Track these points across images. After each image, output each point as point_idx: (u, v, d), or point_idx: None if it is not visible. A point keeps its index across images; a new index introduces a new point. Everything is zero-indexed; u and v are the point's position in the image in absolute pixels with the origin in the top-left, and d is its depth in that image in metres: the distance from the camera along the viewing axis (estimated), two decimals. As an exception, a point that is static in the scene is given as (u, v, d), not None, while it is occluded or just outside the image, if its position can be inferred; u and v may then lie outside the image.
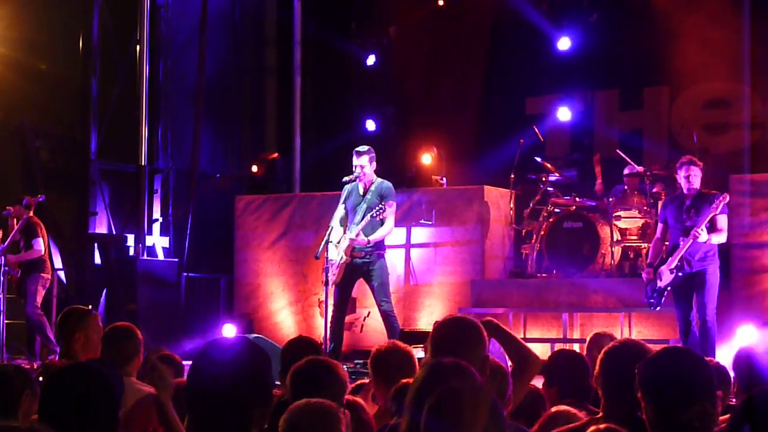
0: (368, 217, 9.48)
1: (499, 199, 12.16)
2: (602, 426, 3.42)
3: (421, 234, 12.10)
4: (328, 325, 9.54)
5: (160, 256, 14.32)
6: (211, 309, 14.04)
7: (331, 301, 9.56)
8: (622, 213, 11.40)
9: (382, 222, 9.54)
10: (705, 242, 8.87)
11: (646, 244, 11.01)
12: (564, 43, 13.86)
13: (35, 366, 9.72)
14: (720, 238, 8.96)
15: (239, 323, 12.36)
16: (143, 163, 14.33)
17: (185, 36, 15.21)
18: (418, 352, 5.23)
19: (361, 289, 10.18)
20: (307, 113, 16.01)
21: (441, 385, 3.06)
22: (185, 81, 15.12)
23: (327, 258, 9.51)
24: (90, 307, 6.34)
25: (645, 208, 11.34)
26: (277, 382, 4.44)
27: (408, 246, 12.13)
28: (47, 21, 14.05)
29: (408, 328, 10.81)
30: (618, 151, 11.78)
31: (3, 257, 11.16)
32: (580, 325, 11.00)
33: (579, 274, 11.55)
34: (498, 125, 14.39)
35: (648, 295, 9.21)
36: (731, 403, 5.44)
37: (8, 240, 11.29)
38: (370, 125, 15.29)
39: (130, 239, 14.16)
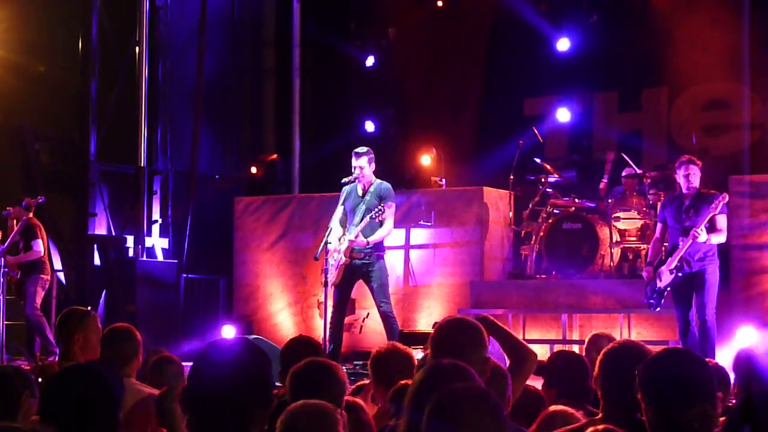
0: (367, 218, 9.49)
1: (498, 201, 12.16)
2: (600, 427, 3.42)
3: (420, 235, 12.10)
4: (328, 326, 9.55)
5: (160, 258, 14.31)
6: (211, 310, 14.04)
7: (330, 303, 9.56)
8: (621, 214, 11.40)
9: (381, 223, 9.54)
10: (704, 242, 8.87)
11: (645, 245, 11.01)
12: (563, 44, 13.86)
13: (35, 367, 9.73)
14: (719, 238, 8.96)
15: (238, 324, 12.36)
16: (142, 165, 14.32)
17: (184, 38, 15.21)
18: (418, 354, 5.23)
19: (360, 290, 10.18)
20: (306, 115, 16.01)
21: (441, 387, 3.06)
22: (184, 82, 15.12)
23: (326, 259, 9.52)
24: (89, 308, 6.34)
25: (644, 209, 11.34)
26: (278, 384, 4.44)
27: (407, 247, 12.13)
28: (46, 23, 14.06)
29: (407, 330, 10.80)
30: (623, 154, 11.74)
31: (3, 258, 11.16)
32: (580, 326, 11.00)
33: (578, 275, 11.55)
34: (497, 126, 14.39)
35: (648, 295, 9.21)
36: (731, 404, 5.44)
37: (8, 241, 11.29)
38: (369, 126, 15.29)
39: (130, 240, 14.15)
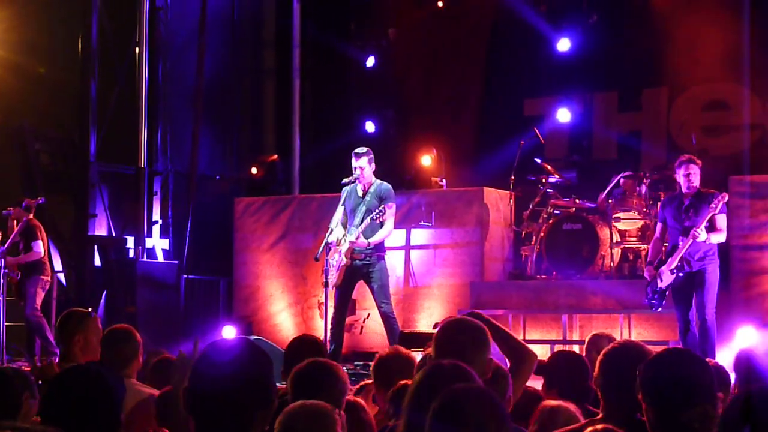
0: (368, 219, 9.49)
1: (498, 201, 12.16)
2: (600, 427, 3.43)
3: (420, 236, 12.11)
4: (328, 326, 9.55)
5: (160, 258, 14.31)
6: (211, 311, 14.03)
7: (331, 303, 9.56)
8: (621, 214, 11.39)
9: (381, 224, 9.54)
10: (704, 242, 8.87)
11: (645, 246, 11.00)
12: (563, 45, 13.87)
13: (34, 368, 9.72)
14: (719, 237, 8.96)
15: (239, 325, 12.35)
16: (142, 165, 14.33)
17: (184, 38, 15.21)
18: (419, 357, 5.23)
19: (360, 290, 10.18)
20: (306, 115, 16.01)
21: (441, 387, 3.06)
22: (184, 83, 15.12)
23: (327, 260, 9.52)
24: (90, 309, 6.34)
25: (644, 209, 11.34)
26: (283, 383, 4.44)
27: (407, 248, 12.13)
28: (46, 23, 14.06)
29: (408, 330, 10.80)
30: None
31: (3, 259, 11.16)
32: (580, 326, 10.99)
33: (578, 275, 11.55)
34: (497, 127, 14.39)
35: (648, 296, 9.21)
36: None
37: (8, 242, 11.29)
38: (370, 127, 15.29)
39: (130, 241, 14.16)
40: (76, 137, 14.22)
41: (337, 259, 9.64)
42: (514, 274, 12.14)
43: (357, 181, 9.69)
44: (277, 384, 5.35)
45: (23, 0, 13.99)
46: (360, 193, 9.71)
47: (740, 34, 12.58)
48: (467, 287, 11.73)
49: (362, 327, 12.02)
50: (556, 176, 12.14)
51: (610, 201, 11.49)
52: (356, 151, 9.72)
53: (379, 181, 9.74)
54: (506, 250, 12.29)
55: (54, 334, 10.56)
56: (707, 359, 4.21)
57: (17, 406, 4.11)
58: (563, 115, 13.71)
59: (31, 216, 11.36)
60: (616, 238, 11.44)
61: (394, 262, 11.52)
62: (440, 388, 3.05)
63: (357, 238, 9.48)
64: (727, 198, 8.99)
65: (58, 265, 13.45)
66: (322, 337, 9.48)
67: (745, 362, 5.30)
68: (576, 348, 9.76)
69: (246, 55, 16.38)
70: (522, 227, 12.10)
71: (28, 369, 9.39)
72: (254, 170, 15.62)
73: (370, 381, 5.21)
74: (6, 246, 11.26)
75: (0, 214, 11.62)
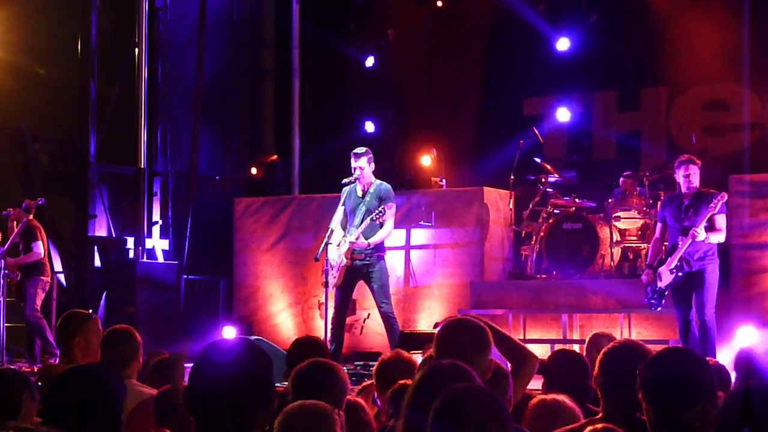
0: (368, 220, 9.48)
1: (498, 201, 12.16)
2: (600, 426, 3.43)
3: (420, 236, 12.11)
4: (329, 326, 9.55)
5: (160, 259, 14.31)
6: (211, 311, 14.03)
7: (331, 303, 9.56)
8: (621, 214, 11.40)
9: (381, 225, 9.54)
10: (703, 241, 8.87)
11: (645, 245, 11.00)
12: (563, 44, 13.87)
13: (35, 369, 9.72)
14: (718, 237, 8.96)
15: (239, 326, 12.36)
16: (142, 166, 14.33)
17: (184, 38, 15.21)
18: (420, 359, 5.24)
19: (361, 290, 10.18)
20: (306, 115, 16.02)
21: (440, 387, 3.06)
22: (184, 83, 15.12)
23: (327, 260, 9.52)
24: (90, 310, 6.34)
25: (644, 208, 11.34)
26: (285, 384, 4.44)
27: (407, 248, 12.13)
28: (46, 24, 14.05)
29: (408, 330, 10.80)
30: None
31: (2, 260, 11.15)
32: (580, 326, 10.99)
33: (578, 275, 11.55)
34: (497, 126, 14.40)
35: (648, 295, 9.21)
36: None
37: (8, 243, 11.29)
38: (369, 127, 15.30)
39: (130, 242, 14.16)
40: (76, 138, 14.22)
41: (336, 259, 9.64)
42: (514, 273, 12.14)
43: (357, 181, 9.68)
44: (280, 384, 5.36)
45: (23, 0, 13.99)
46: (360, 194, 9.71)
47: (740, 34, 12.58)
48: (467, 287, 11.73)
49: (362, 327, 12.03)
50: (556, 176, 12.13)
51: (610, 200, 11.50)
52: (355, 151, 9.72)
53: (378, 182, 9.74)
54: (506, 250, 12.29)
55: (54, 335, 10.55)
56: (707, 358, 4.21)
57: (17, 406, 4.11)
58: (563, 115, 13.72)
59: (31, 217, 11.35)
60: (616, 237, 11.44)
61: (394, 262, 11.52)
62: (440, 388, 3.05)
63: (357, 239, 9.48)
64: (726, 198, 8.98)
65: (58, 266, 13.45)
66: (322, 338, 9.48)
67: (745, 361, 5.31)
68: (576, 347, 9.77)
69: (245, 55, 16.38)
70: (522, 227, 12.10)
71: (29, 370, 9.41)
72: (254, 170, 15.62)
73: (371, 381, 5.22)
74: (6, 247, 11.26)
75: (0, 215, 11.62)
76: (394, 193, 9.86)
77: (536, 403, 4.15)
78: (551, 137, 13.72)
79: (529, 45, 14.26)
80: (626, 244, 11.49)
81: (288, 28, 15.68)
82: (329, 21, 16.02)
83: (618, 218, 11.39)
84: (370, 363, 10.14)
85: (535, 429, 4.03)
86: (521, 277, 11.91)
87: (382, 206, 9.50)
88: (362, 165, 9.61)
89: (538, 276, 11.82)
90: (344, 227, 9.74)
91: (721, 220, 8.95)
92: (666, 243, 9.35)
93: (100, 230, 14.12)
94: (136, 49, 14.34)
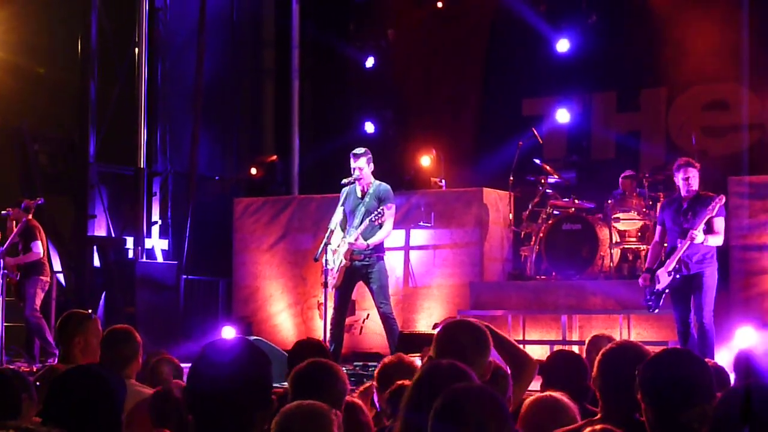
0: (367, 221, 9.48)
1: (497, 201, 12.17)
2: (598, 427, 3.43)
3: (420, 236, 12.11)
4: (328, 327, 9.55)
5: (159, 259, 14.31)
6: (210, 312, 14.03)
7: (330, 304, 9.56)
8: (620, 215, 11.40)
9: (380, 225, 9.53)
10: (702, 244, 8.87)
11: (644, 246, 11.01)
12: (562, 45, 13.87)
13: (34, 369, 9.72)
14: (716, 240, 8.97)
15: (238, 326, 12.36)
16: (142, 166, 14.32)
17: (184, 38, 15.21)
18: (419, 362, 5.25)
19: (360, 291, 10.18)
20: (306, 115, 16.02)
21: (438, 387, 3.06)
22: (184, 83, 15.11)
23: (326, 260, 9.52)
24: (90, 311, 6.34)
25: (644, 209, 11.34)
26: (285, 384, 4.44)
27: (407, 248, 12.13)
28: (45, 24, 14.05)
29: (407, 330, 10.80)
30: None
31: (2, 260, 11.15)
32: (579, 327, 11.00)
33: (578, 276, 11.55)
34: (496, 127, 14.40)
35: (646, 297, 9.22)
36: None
37: (7, 243, 11.29)
38: (369, 127, 15.30)
39: (129, 242, 14.15)
40: (76, 138, 14.21)
41: (335, 260, 9.63)
42: (514, 274, 12.14)
43: (356, 181, 9.68)
44: (281, 385, 5.36)
45: (23, 0, 13.99)
46: (359, 194, 9.70)
47: (739, 34, 12.59)
48: (467, 288, 11.73)
49: (362, 327, 12.03)
50: (555, 176, 12.13)
51: (609, 201, 11.50)
52: (354, 151, 9.72)
53: (378, 182, 9.73)
54: (505, 251, 12.29)
55: (53, 336, 10.55)
56: (706, 360, 4.21)
57: (17, 406, 4.11)
58: (562, 116, 13.72)
59: (30, 216, 11.35)
60: (616, 238, 11.44)
61: (393, 263, 11.53)
62: (438, 388, 3.05)
63: (356, 240, 9.47)
64: (724, 200, 8.98)
65: (57, 266, 13.44)
66: (321, 338, 9.48)
67: (744, 362, 5.31)
68: (576, 348, 9.77)
69: (245, 55, 16.38)
70: (521, 227, 12.10)
71: (27, 370, 9.41)
72: (254, 170, 15.62)
73: (371, 383, 5.22)
74: (5, 247, 11.26)
75: (-1, 215, 11.63)
76: (394, 193, 9.85)
77: (534, 401, 4.15)
78: (550, 138, 13.73)
79: (529, 46, 14.26)
80: (626, 245, 11.50)
81: (288, 28, 15.68)
82: (329, 21, 16.02)
83: (617, 219, 11.40)
84: (370, 363, 10.14)
85: (532, 426, 4.03)
86: (521, 278, 11.91)
87: (381, 207, 9.49)
88: (361, 165, 9.61)
89: (538, 277, 11.82)
90: (344, 228, 9.73)
91: (719, 223, 8.96)
92: (665, 246, 9.35)
93: (100, 230, 14.12)
94: (136, 49, 14.33)
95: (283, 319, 12.75)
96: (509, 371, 4.51)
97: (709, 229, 8.90)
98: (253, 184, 15.59)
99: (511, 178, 12.00)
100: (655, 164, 12.46)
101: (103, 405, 3.33)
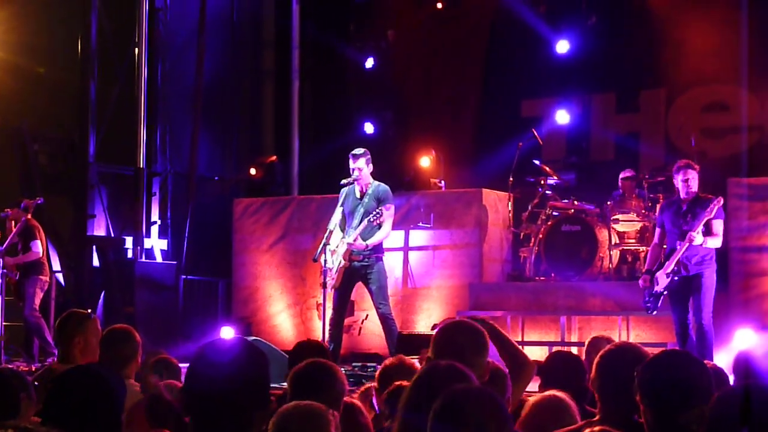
0: (366, 221, 9.47)
1: (497, 202, 12.17)
2: (597, 428, 3.43)
3: (419, 237, 12.11)
4: (327, 327, 9.55)
5: (159, 259, 14.30)
6: (210, 312, 14.03)
7: (329, 305, 9.56)
8: (620, 216, 11.41)
9: (379, 226, 9.53)
10: (701, 245, 8.88)
11: (644, 248, 11.01)
12: (562, 46, 13.88)
13: (33, 368, 9.72)
14: (715, 242, 8.97)
15: (237, 326, 12.35)
16: (141, 166, 14.31)
17: (184, 39, 15.21)
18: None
19: (359, 292, 10.18)
20: (306, 116, 16.02)
21: (437, 388, 3.06)
22: (183, 84, 15.11)
23: (325, 261, 9.52)
24: (89, 310, 6.34)
25: (643, 211, 11.34)
26: (284, 384, 4.44)
27: (406, 249, 12.13)
28: (45, 24, 14.05)
29: (406, 331, 10.80)
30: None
31: (1, 260, 11.15)
32: (578, 328, 11.00)
33: (577, 277, 11.55)
34: (496, 128, 14.40)
35: (645, 299, 9.23)
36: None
37: (6, 243, 11.29)
38: (369, 128, 15.30)
39: (129, 242, 14.15)
40: (75, 138, 14.22)
41: (335, 261, 9.63)
42: (513, 275, 12.14)
43: (355, 182, 9.68)
44: (280, 385, 5.36)
45: (22, 0, 13.99)
46: (358, 195, 9.70)
47: (739, 36, 12.59)
48: (466, 288, 11.73)
49: (361, 328, 12.03)
50: (555, 178, 12.13)
51: (609, 202, 11.50)
52: (354, 152, 9.72)
53: (377, 183, 9.73)
54: (505, 252, 12.29)
55: (53, 335, 10.55)
56: (705, 361, 4.22)
57: (15, 406, 4.11)
58: (561, 117, 13.72)
59: (29, 216, 11.35)
60: (615, 239, 11.44)
61: (392, 264, 11.53)
62: (437, 389, 3.05)
63: (355, 240, 9.47)
64: (722, 202, 8.99)
65: (56, 266, 13.44)
66: (321, 339, 9.48)
67: (743, 364, 5.31)
68: (575, 350, 9.76)
69: (245, 55, 16.37)
70: (521, 229, 12.10)
71: (26, 369, 9.41)
72: (253, 171, 15.61)
73: (371, 384, 5.23)
74: (4, 246, 11.26)
75: (-2, 216, 11.63)
76: (393, 194, 9.86)
77: (538, 401, 4.15)
78: (550, 139, 13.73)
79: (529, 47, 14.27)
80: (625, 247, 11.50)
81: (288, 28, 15.68)
82: (329, 22, 16.02)
83: (617, 221, 11.40)
84: (369, 364, 10.14)
85: (534, 426, 4.03)
86: (520, 279, 11.91)
87: (380, 208, 9.49)
88: (361, 166, 9.61)
89: (537, 278, 11.82)
90: (343, 228, 9.73)
91: (718, 225, 8.97)
92: (664, 247, 9.36)
93: (99, 230, 14.12)
94: (136, 50, 14.33)
95: (282, 319, 12.75)
96: (508, 371, 4.51)
97: (707, 231, 8.91)
98: (253, 184, 15.58)
99: (511, 179, 11.99)
100: (654, 165, 12.46)
101: (103, 405, 3.33)
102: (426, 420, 2.96)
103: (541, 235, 11.72)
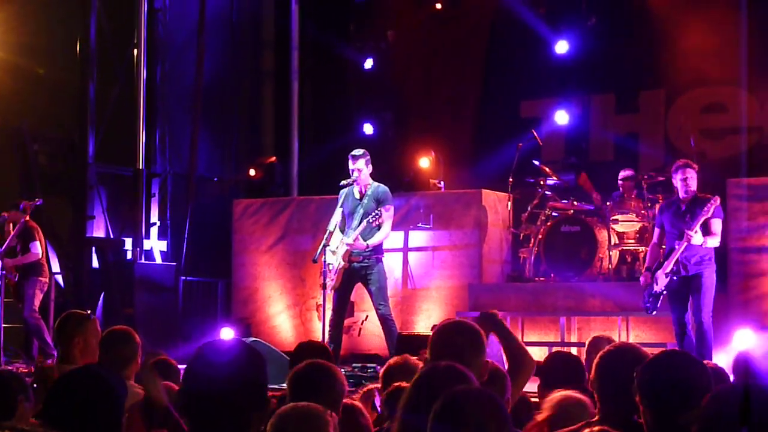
0: (365, 222, 9.47)
1: (497, 203, 12.17)
2: (596, 429, 3.43)
3: (419, 238, 12.11)
4: (327, 328, 9.55)
5: (158, 260, 14.30)
6: (209, 313, 14.03)
7: (329, 305, 9.56)
8: (619, 216, 11.40)
9: (379, 227, 9.53)
10: (700, 245, 8.88)
11: (643, 248, 11.01)
12: (561, 47, 13.88)
13: (32, 370, 9.71)
14: (714, 241, 8.98)
15: (237, 327, 12.35)
16: (141, 167, 14.31)
17: (183, 39, 15.20)
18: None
19: (359, 292, 10.18)
20: (305, 117, 16.02)
21: (441, 390, 3.06)
22: (183, 84, 15.11)
23: (324, 262, 9.52)
24: (89, 311, 6.34)
25: (642, 211, 11.34)
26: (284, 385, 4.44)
27: (406, 250, 12.13)
28: (45, 24, 14.04)
29: (405, 332, 10.80)
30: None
31: (0, 261, 11.15)
32: (578, 328, 11.00)
33: (576, 277, 11.55)
34: (496, 128, 14.41)
35: (645, 299, 9.23)
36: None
37: (5, 244, 11.28)
38: (368, 129, 15.30)
39: (128, 243, 14.14)
40: (75, 138, 14.21)
41: (335, 262, 9.63)
42: (513, 276, 12.14)
43: (354, 183, 9.68)
44: (280, 386, 5.35)
45: (22, 1, 13.99)
46: (357, 196, 9.70)
47: (738, 37, 12.59)
48: (465, 289, 11.73)
49: (360, 329, 12.02)
50: (554, 178, 12.13)
51: (608, 203, 11.51)
52: (353, 153, 9.72)
53: (376, 184, 9.73)
54: (504, 252, 12.29)
55: (52, 336, 10.54)
56: (705, 361, 4.22)
57: (12, 408, 4.10)
58: (561, 117, 13.73)
59: (28, 217, 11.34)
60: (614, 240, 11.44)
61: (392, 264, 11.53)
62: (437, 390, 3.06)
63: (355, 241, 9.47)
64: (719, 201, 9.00)
65: (55, 267, 13.44)
66: (320, 339, 9.48)
67: (743, 365, 5.31)
68: (574, 350, 9.76)
69: (245, 56, 16.37)
70: (520, 229, 12.10)
71: (26, 371, 9.40)
72: (253, 172, 15.62)
73: (372, 386, 5.23)
74: (3, 248, 11.25)
75: (-2, 217, 11.62)
76: (393, 195, 9.86)
77: (561, 399, 4.11)
78: (549, 140, 13.72)
79: (529, 47, 14.27)
80: (624, 247, 11.49)
81: (287, 29, 15.68)
82: (329, 22, 16.02)
83: (616, 221, 11.40)
84: (368, 365, 10.14)
85: (556, 424, 4.00)
86: (519, 280, 11.91)
87: (380, 208, 9.49)
88: (360, 167, 9.61)
89: (536, 278, 11.82)
90: (342, 229, 9.73)
91: (716, 225, 8.98)
92: (664, 247, 9.36)
93: (98, 231, 14.11)
94: (136, 50, 14.33)
95: (281, 320, 12.75)
96: (507, 368, 4.51)
97: (706, 231, 8.92)
98: (252, 185, 15.58)
99: (510, 179, 11.99)
100: (653, 166, 12.47)
101: (104, 406, 3.33)
102: (426, 421, 2.96)
103: (540, 236, 11.72)
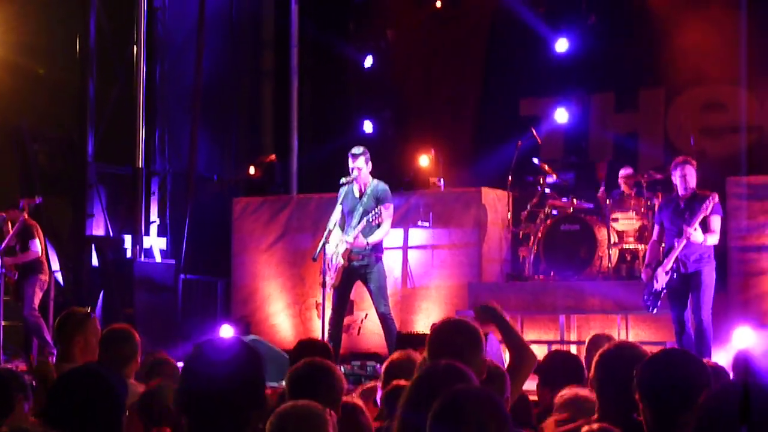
0: (365, 221, 9.47)
1: (496, 202, 12.16)
2: (595, 426, 3.43)
3: (418, 236, 12.10)
4: (326, 327, 9.55)
5: (158, 258, 14.29)
6: (209, 312, 14.03)
7: (329, 304, 9.56)
8: (619, 215, 11.40)
9: (378, 225, 9.53)
10: (700, 243, 8.88)
11: (643, 247, 11.01)
12: (561, 46, 13.88)
13: (31, 366, 9.71)
14: (713, 238, 8.99)
15: (237, 326, 12.35)
16: (140, 166, 14.31)
17: (182, 38, 15.19)
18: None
19: (358, 291, 10.18)
20: (305, 115, 16.01)
21: (437, 388, 3.06)
22: (182, 83, 15.10)
23: (324, 260, 9.52)
24: (89, 310, 6.34)
25: (642, 210, 11.34)
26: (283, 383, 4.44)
27: (405, 248, 12.13)
28: (44, 24, 14.04)
29: (405, 331, 10.79)
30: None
31: (0, 259, 11.14)
32: (577, 327, 11.00)
33: (576, 276, 11.55)
34: (495, 127, 14.40)
35: (645, 297, 9.23)
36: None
37: (4, 243, 11.28)
38: (368, 127, 15.29)
39: (127, 241, 14.14)
40: (74, 137, 14.20)
41: (334, 260, 9.63)
42: (512, 275, 12.14)
43: (354, 181, 9.68)
44: (279, 384, 5.34)
45: (22, 0, 13.98)
46: (357, 194, 9.70)
47: (738, 35, 12.59)
48: (465, 288, 11.73)
49: (360, 328, 12.02)
50: (554, 177, 12.13)
51: (608, 201, 11.50)
52: (353, 151, 9.71)
53: (376, 182, 9.73)
54: (504, 251, 12.29)
55: (52, 335, 10.54)
56: (705, 360, 4.22)
57: (10, 406, 4.10)
58: (560, 116, 13.72)
59: (26, 216, 11.34)
60: (614, 238, 11.44)
61: (391, 263, 11.53)
62: (437, 389, 3.06)
63: (355, 239, 9.47)
64: (717, 199, 9.00)
65: (55, 265, 13.43)
66: (320, 338, 9.48)
67: (743, 363, 5.31)
68: (574, 349, 9.77)
69: (244, 55, 16.36)
70: (520, 228, 12.10)
71: (25, 369, 9.40)
72: (252, 170, 15.61)
73: (372, 384, 5.23)
74: (2, 246, 11.25)
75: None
76: (392, 193, 9.86)
77: (572, 397, 4.12)
78: (549, 138, 13.71)
79: (528, 46, 14.26)
80: (624, 246, 11.49)
81: (287, 28, 15.67)
82: (328, 21, 16.02)
83: (616, 220, 11.40)
84: (368, 364, 10.14)
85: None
86: (519, 279, 11.91)
87: (379, 207, 9.49)
88: (360, 165, 9.61)
89: (536, 277, 11.81)
90: (342, 228, 9.73)
91: (715, 222, 8.98)
92: (663, 245, 9.36)
93: (98, 229, 14.11)
94: (135, 49, 14.32)
95: (281, 319, 12.74)
96: (508, 362, 4.51)
97: (705, 228, 8.92)
98: (252, 183, 15.57)
99: (510, 178, 11.99)
100: (653, 165, 12.45)
101: (104, 405, 3.33)
102: (425, 420, 2.96)
103: (540, 235, 11.72)
